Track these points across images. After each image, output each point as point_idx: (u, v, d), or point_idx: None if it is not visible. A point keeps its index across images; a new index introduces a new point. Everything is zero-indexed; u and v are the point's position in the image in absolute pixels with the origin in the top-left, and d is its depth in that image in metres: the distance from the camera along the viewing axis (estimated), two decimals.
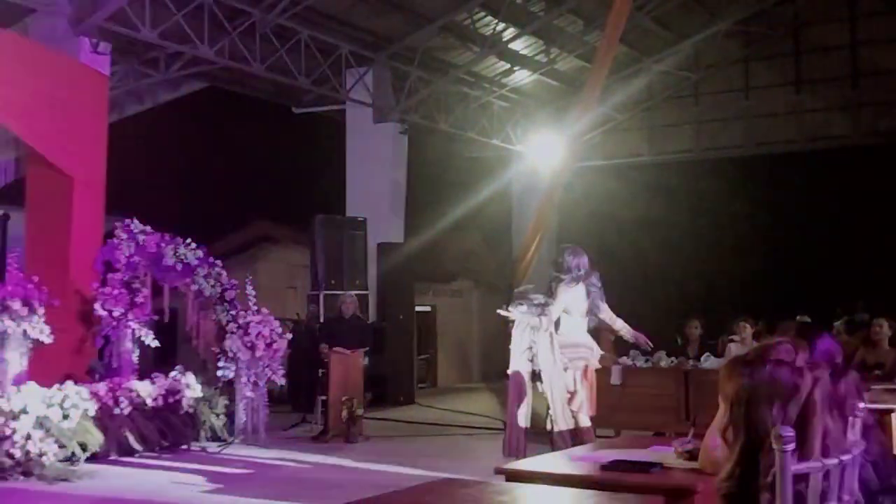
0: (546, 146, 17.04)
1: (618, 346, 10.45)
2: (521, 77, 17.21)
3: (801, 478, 1.66)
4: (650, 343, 8.26)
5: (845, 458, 1.75)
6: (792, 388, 1.75)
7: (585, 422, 7.54)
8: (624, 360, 9.98)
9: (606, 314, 7.86)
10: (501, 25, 15.01)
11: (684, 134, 18.33)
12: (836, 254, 15.49)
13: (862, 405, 2.01)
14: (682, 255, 16.87)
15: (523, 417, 7.79)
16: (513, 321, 7.91)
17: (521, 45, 16.03)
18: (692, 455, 3.56)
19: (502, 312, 8.00)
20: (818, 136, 17.02)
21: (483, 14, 14.75)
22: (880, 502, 2.17)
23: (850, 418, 1.89)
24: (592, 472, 3.53)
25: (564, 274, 7.55)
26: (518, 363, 7.80)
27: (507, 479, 3.58)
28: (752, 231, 16.68)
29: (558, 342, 7.51)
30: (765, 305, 12.81)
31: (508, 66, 16.70)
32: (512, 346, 7.89)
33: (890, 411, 5.53)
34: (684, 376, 9.31)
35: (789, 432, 1.57)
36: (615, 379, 9.75)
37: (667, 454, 3.76)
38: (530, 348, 7.71)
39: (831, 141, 16.87)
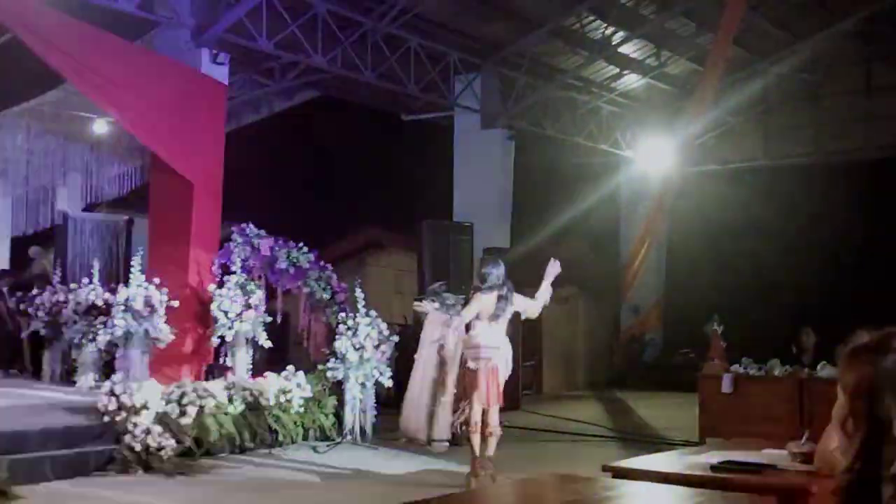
0: (656, 151, 16.77)
1: (729, 354, 10.17)
2: (631, 81, 16.99)
3: None
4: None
5: None
6: None
7: (494, 417, 7.67)
8: (735, 368, 9.71)
9: (521, 305, 7.75)
10: (611, 29, 14.86)
11: (803, 137, 17.70)
12: None
13: None
14: (800, 263, 16.24)
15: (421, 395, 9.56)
16: (425, 314, 9.68)
17: (630, 49, 15.83)
18: (807, 457, 3.44)
19: (417, 306, 9.88)
20: None
21: (592, 18, 14.63)
22: None
23: None
24: (701, 472, 3.45)
25: (483, 284, 7.71)
26: (426, 351, 9.55)
27: (614, 477, 3.54)
28: (875, 239, 15.91)
29: (466, 343, 7.87)
30: (887, 316, 12.24)
31: (617, 69, 16.51)
32: (422, 336, 9.65)
33: None
34: (799, 385, 9.00)
35: None
36: (726, 387, 9.50)
37: (780, 456, 3.65)
38: (439, 341, 9.34)
39: None
